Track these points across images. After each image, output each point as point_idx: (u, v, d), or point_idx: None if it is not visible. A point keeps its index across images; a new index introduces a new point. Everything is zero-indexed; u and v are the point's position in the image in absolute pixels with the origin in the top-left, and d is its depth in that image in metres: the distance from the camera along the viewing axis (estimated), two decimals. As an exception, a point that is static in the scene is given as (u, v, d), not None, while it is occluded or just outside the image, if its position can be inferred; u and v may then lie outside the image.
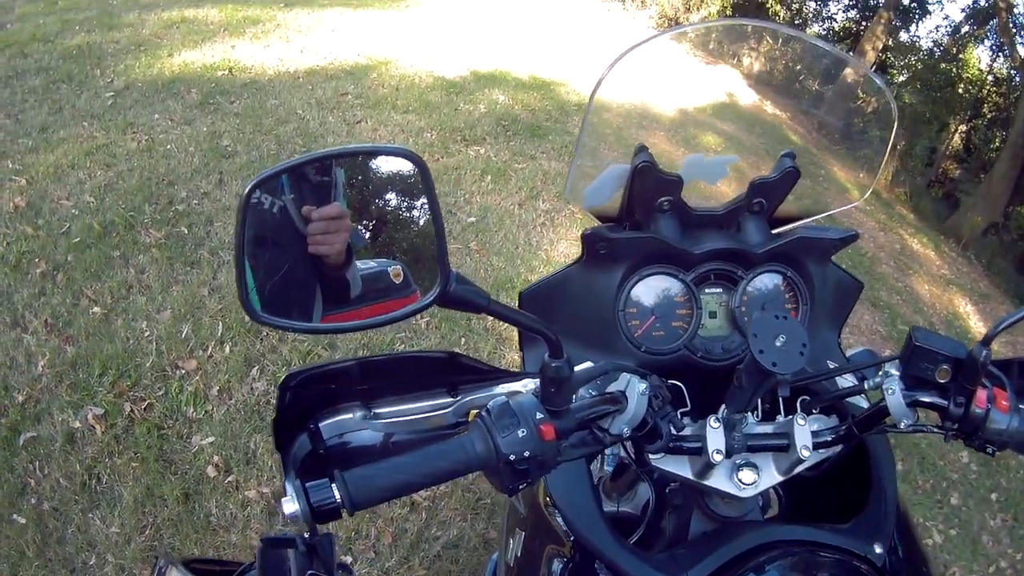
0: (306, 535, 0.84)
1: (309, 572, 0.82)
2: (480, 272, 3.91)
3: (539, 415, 0.86)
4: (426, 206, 0.83)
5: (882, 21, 14.69)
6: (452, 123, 5.40)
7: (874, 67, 14.19)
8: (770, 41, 7.17)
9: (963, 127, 16.71)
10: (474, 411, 0.99)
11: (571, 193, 1.29)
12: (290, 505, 0.78)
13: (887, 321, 5.50)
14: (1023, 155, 12.31)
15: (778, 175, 1.27)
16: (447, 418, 1.03)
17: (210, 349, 3.18)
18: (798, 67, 1.66)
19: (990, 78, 16.94)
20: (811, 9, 17.58)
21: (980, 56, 17.64)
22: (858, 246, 6.16)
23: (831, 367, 1.28)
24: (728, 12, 12.88)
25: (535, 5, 10.76)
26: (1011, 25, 14.61)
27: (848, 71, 1.50)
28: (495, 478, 0.86)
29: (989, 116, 16.72)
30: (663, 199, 1.26)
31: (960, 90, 15.51)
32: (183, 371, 3.06)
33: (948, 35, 16.53)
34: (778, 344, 0.98)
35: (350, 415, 1.03)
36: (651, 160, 1.22)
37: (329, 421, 1.01)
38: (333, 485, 0.79)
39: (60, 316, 3.30)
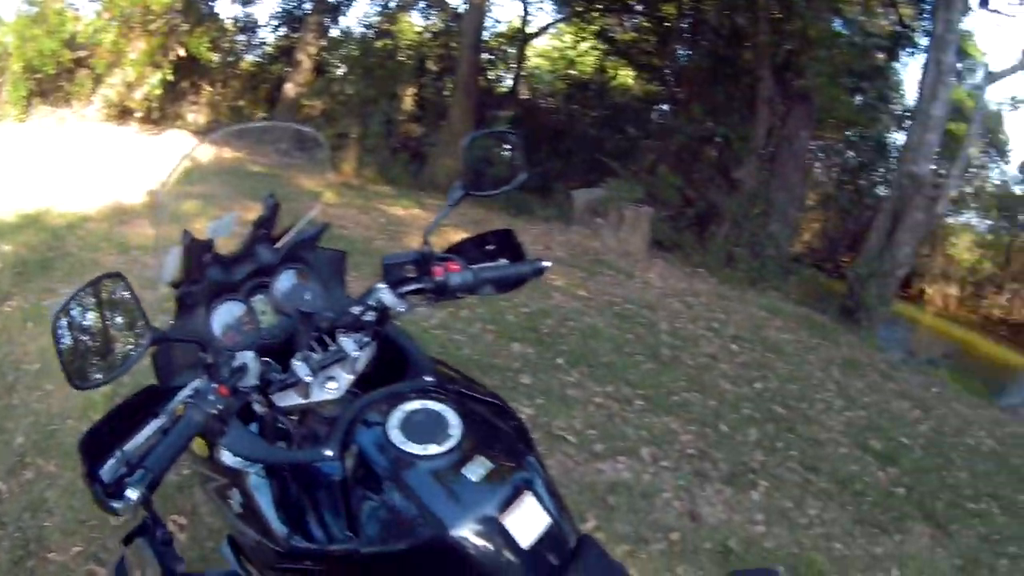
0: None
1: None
2: (63, 405, 3.81)
3: (214, 385, 1.29)
4: None
5: (312, 26, 15.13)
6: None
7: (314, 72, 15.00)
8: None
9: (412, 89, 17.07)
10: (180, 406, 1.29)
11: (162, 279, 1.58)
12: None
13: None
14: (473, 88, 13.60)
15: (267, 212, 1.68)
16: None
17: None
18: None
19: (428, 35, 17.71)
20: (242, 42, 17.05)
21: (413, 21, 18.12)
22: (347, 236, 7.02)
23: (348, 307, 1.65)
24: (171, 77, 12.52)
25: None
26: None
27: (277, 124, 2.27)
28: (215, 431, 1.28)
29: (436, 69, 17.31)
30: (206, 256, 1.59)
31: (402, 58, 15.96)
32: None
33: (378, 14, 16.61)
34: (307, 297, 1.61)
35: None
36: (191, 236, 1.54)
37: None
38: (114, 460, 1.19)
39: None
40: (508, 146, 1.85)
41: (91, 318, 1.31)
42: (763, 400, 5.00)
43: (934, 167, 9.85)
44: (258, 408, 1.55)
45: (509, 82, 17.89)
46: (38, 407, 3.75)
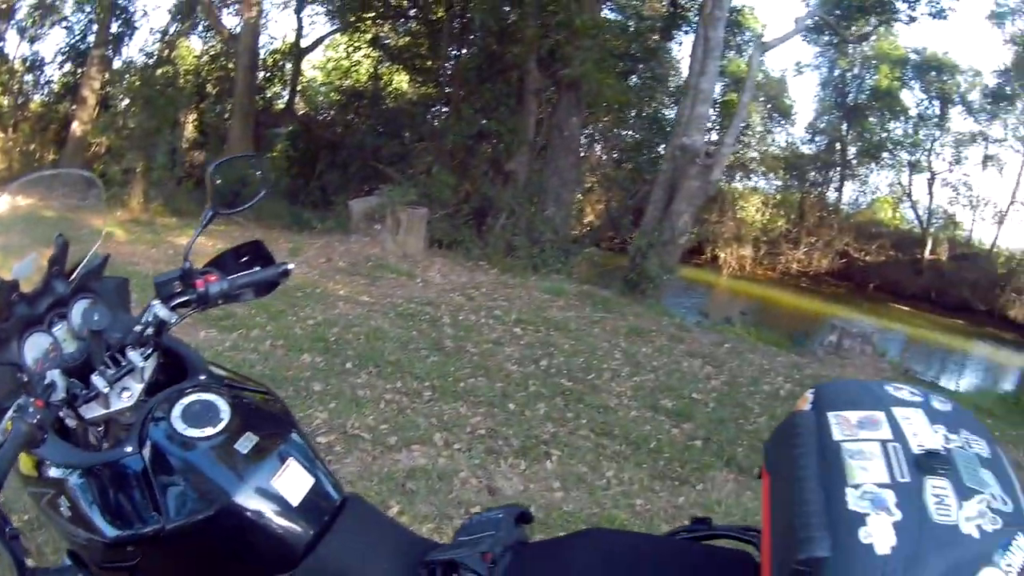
0: None
1: None
2: None
3: (32, 399, 1.41)
4: None
5: (95, 60, 14.49)
6: None
7: (97, 108, 14.25)
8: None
9: (193, 116, 17.06)
10: (8, 422, 1.41)
11: None
12: None
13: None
14: (250, 108, 13.50)
15: (58, 250, 1.77)
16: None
17: None
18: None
19: (206, 59, 17.67)
20: (29, 82, 16.74)
21: (193, 46, 18.17)
22: (139, 271, 6.90)
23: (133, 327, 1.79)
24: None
25: None
26: (213, 5, 15.54)
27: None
28: (36, 441, 1.40)
29: (215, 92, 17.17)
30: (13, 295, 1.70)
31: (183, 83, 15.74)
32: None
33: (158, 41, 16.45)
34: (95, 318, 1.66)
35: None
36: (0, 279, 1.68)
37: None
38: None
39: None
40: (252, 173, 2.13)
41: None
42: (549, 376, 5.08)
43: (708, 138, 10.38)
44: (70, 423, 1.74)
45: (287, 97, 17.68)
46: None
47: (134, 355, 1.71)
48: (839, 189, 25.56)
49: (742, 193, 24.20)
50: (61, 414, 1.67)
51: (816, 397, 1.31)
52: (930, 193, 23.56)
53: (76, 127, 14.14)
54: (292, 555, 1.53)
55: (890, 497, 1.09)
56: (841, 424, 1.27)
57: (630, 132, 17.72)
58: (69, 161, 13.19)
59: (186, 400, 1.65)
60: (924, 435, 1.21)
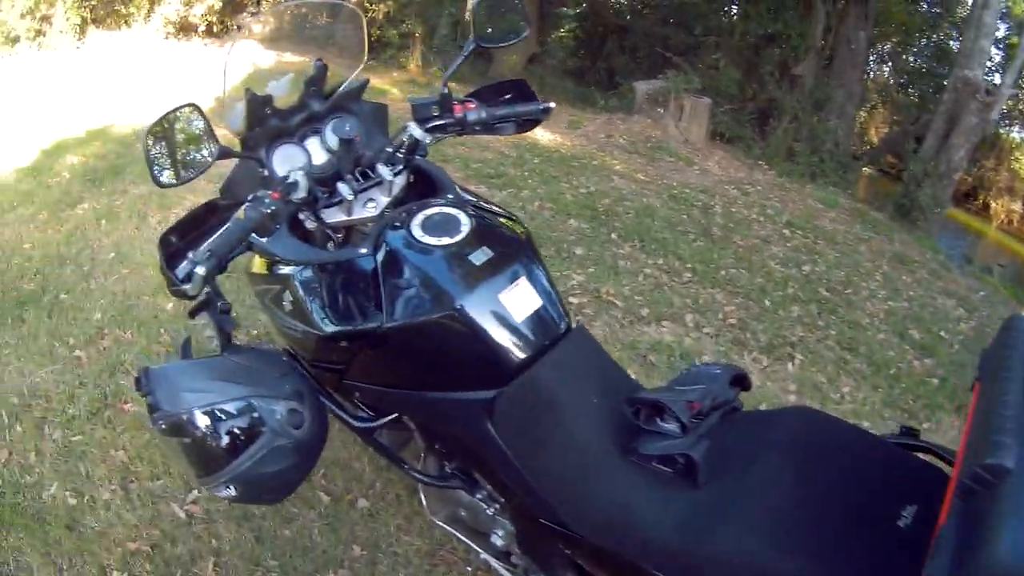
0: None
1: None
2: (138, 285, 3.95)
3: (269, 191, 1.47)
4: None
5: None
6: (52, 197, 5.17)
7: None
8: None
9: None
10: (241, 212, 1.46)
11: (229, 127, 1.77)
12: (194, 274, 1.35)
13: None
14: None
15: (317, 72, 1.84)
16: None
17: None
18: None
19: None
20: None
21: None
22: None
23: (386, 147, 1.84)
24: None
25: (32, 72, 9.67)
26: None
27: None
28: (267, 230, 1.45)
29: None
30: (266, 109, 1.75)
31: None
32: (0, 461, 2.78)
33: None
34: (347, 128, 1.73)
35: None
36: (253, 92, 1.72)
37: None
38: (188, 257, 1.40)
39: None
40: (512, 12, 1.99)
41: (172, 137, 1.56)
42: (809, 282, 4.90)
43: (989, 78, 9.30)
44: (309, 225, 1.79)
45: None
46: (114, 288, 3.91)
47: (383, 169, 1.75)
48: None
49: (1019, 144, 21.47)
50: (301, 216, 1.75)
51: None
52: None
53: (352, -10, 14.25)
54: (505, 371, 1.50)
55: None
56: None
57: (915, 58, 16.15)
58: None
59: (428, 211, 1.64)
60: None
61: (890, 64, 17.93)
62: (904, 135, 13.34)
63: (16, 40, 10.63)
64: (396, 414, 1.82)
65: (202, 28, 11.70)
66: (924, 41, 15.12)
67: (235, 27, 11.57)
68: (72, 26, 10.77)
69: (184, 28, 11.59)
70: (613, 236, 5.01)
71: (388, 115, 2.03)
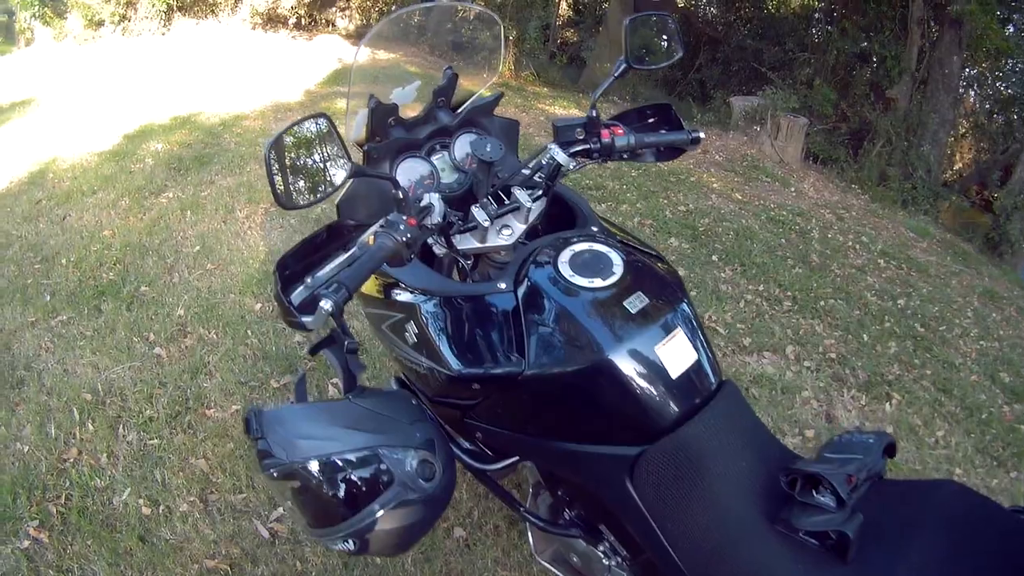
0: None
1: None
2: (224, 281, 3.93)
3: (404, 217, 1.33)
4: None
5: None
6: (134, 184, 5.16)
7: None
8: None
9: None
10: (371, 237, 1.33)
11: (350, 138, 1.69)
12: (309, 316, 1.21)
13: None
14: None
15: (446, 82, 1.76)
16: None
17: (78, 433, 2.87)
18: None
19: None
20: None
21: None
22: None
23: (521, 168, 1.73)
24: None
25: (122, 56, 9.93)
26: None
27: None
28: (402, 259, 1.33)
29: None
30: (390, 119, 1.68)
31: None
32: (69, 460, 2.73)
33: None
34: (487, 149, 1.59)
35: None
36: (377, 101, 1.64)
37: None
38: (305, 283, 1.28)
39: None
40: (665, 35, 1.84)
41: (297, 152, 1.35)
42: (905, 317, 4.90)
43: None
44: (438, 250, 1.70)
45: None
46: (198, 284, 3.89)
47: (521, 194, 1.61)
48: None
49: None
50: (430, 240, 1.64)
51: None
52: None
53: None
54: (653, 429, 1.37)
55: None
56: None
57: (1004, 84, 15.67)
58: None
59: (576, 247, 1.52)
60: None
61: (975, 89, 17.47)
62: (992, 163, 13.07)
63: (100, 23, 10.92)
64: (518, 457, 1.71)
65: (292, 21, 11.82)
66: (1013, 66, 14.66)
67: (368, 24, 11.53)
68: (157, 12, 10.99)
69: (272, 20, 11.70)
70: (713, 258, 5.01)
71: (519, 132, 1.95)
